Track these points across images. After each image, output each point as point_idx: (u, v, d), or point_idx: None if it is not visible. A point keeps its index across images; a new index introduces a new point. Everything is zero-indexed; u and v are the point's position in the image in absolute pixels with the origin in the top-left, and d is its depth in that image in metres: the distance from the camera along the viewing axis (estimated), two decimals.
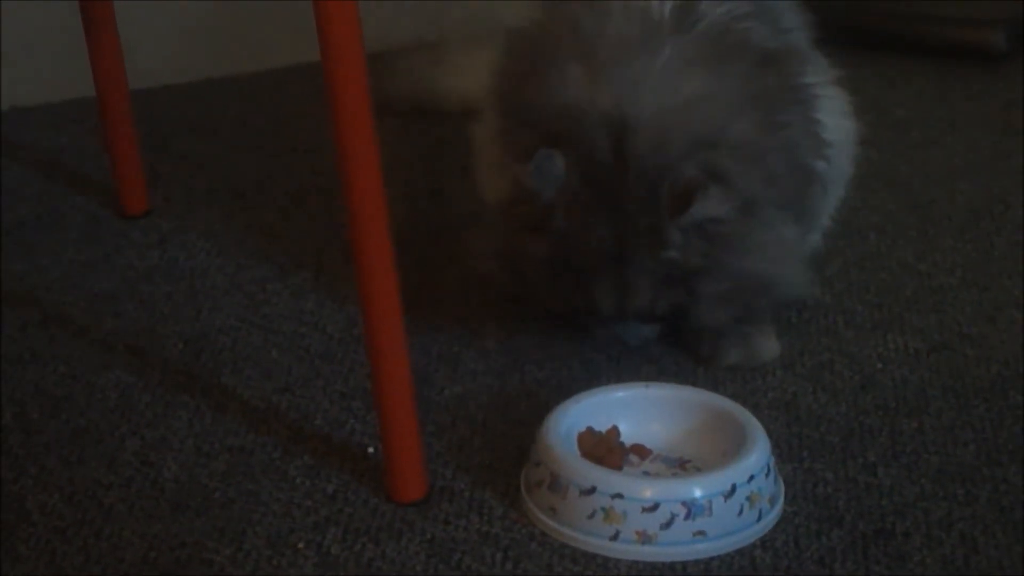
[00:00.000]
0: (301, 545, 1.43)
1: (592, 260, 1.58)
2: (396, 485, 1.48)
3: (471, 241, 1.71)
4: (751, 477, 1.42)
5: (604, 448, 1.49)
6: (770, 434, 1.49)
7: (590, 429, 1.51)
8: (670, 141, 1.56)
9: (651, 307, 1.60)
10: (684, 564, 1.41)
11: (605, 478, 1.42)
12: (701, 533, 1.41)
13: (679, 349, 1.70)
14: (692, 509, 1.40)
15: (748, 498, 1.42)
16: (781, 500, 1.47)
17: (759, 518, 1.43)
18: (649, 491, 1.41)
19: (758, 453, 1.44)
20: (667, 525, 1.40)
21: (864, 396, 1.63)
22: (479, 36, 1.94)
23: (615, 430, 1.52)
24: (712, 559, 1.41)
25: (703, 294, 1.60)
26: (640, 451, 1.51)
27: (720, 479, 1.42)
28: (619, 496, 1.40)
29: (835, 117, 1.71)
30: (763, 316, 1.70)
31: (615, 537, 1.41)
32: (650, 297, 1.60)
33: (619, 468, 1.48)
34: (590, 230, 1.57)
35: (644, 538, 1.40)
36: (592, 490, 1.41)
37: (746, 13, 1.63)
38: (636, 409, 1.53)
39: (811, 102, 1.68)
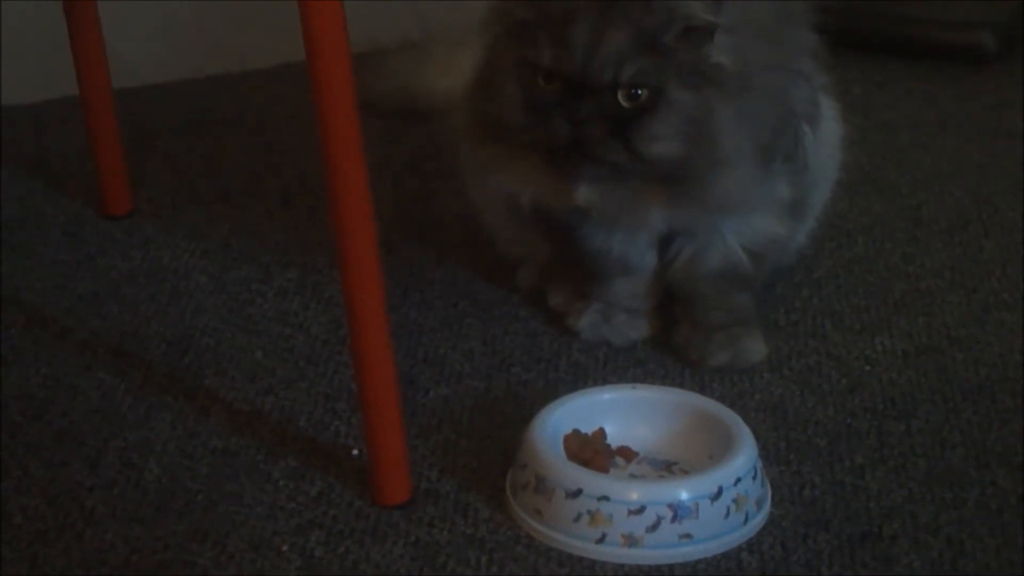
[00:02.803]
0: (285, 548, 1.42)
1: None
2: (381, 487, 1.47)
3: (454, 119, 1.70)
4: (738, 480, 1.42)
5: (590, 450, 1.48)
6: (757, 436, 1.48)
7: (576, 431, 1.50)
8: None
9: (620, 63, 1.52)
10: (670, 567, 1.40)
11: (591, 481, 1.42)
12: (687, 536, 1.40)
13: (666, 351, 1.69)
14: (678, 512, 1.40)
15: (735, 501, 1.42)
16: (768, 503, 1.46)
17: (746, 521, 1.43)
18: (635, 494, 1.41)
19: (745, 456, 1.44)
20: (653, 528, 1.40)
21: (852, 399, 1.62)
22: (465, 36, 1.93)
23: (601, 432, 1.51)
24: (698, 562, 1.41)
25: (663, 102, 1.52)
26: (626, 453, 1.50)
27: (707, 482, 1.42)
28: (605, 499, 1.40)
29: (825, 121, 1.70)
30: (748, 315, 1.70)
31: (601, 540, 1.41)
32: (622, 49, 1.52)
33: (605, 471, 1.47)
34: None
35: (630, 541, 1.40)
36: (578, 493, 1.41)
37: None
38: (623, 411, 1.53)
39: (815, 71, 1.66)
